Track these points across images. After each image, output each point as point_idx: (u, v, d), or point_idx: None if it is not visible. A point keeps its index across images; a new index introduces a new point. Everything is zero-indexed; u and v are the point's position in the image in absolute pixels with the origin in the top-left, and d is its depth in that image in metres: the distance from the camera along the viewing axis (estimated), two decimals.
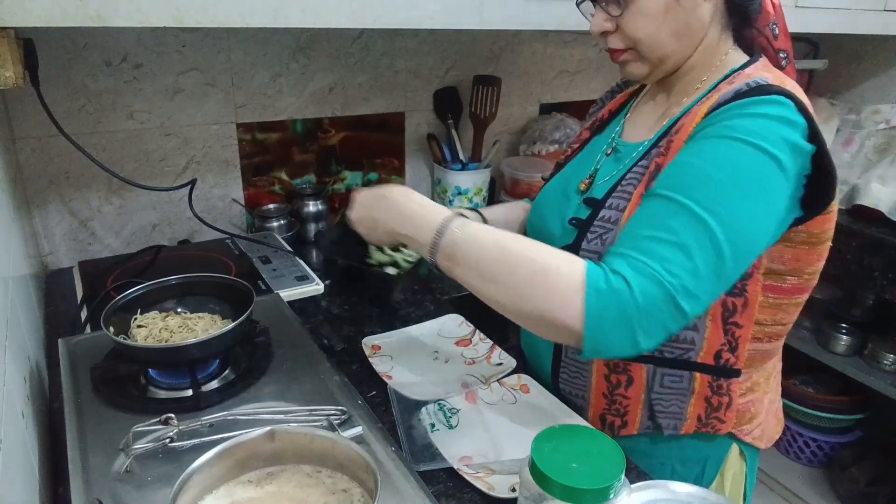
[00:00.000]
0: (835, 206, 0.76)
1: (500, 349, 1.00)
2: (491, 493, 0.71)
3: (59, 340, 0.92)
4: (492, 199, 1.71)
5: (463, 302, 1.19)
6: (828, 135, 1.87)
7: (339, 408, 0.76)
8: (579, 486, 0.54)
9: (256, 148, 1.46)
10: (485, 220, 0.98)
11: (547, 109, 1.85)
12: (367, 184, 1.64)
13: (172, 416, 0.73)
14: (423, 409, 0.85)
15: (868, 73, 1.99)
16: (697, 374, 0.81)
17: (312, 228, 1.49)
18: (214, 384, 0.84)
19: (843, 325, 1.80)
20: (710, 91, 0.77)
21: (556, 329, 0.66)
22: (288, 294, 1.15)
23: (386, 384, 0.90)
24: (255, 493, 0.62)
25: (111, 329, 0.82)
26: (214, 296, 0.96)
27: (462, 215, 0.74)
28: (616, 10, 0.76)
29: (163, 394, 0.82)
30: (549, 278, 0.65)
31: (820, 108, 1.90)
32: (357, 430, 0.74)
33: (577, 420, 0.83)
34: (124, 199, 1.34)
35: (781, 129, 0.67)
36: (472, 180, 1.61)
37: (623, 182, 0.80)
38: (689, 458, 0.88)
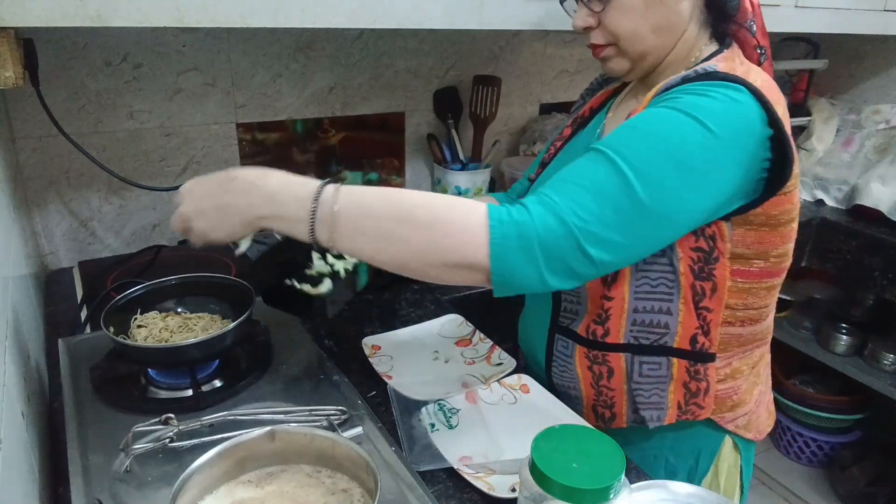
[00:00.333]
0: (794, 187, 0.76)
1: (500, 349, 1.00)
2: (491, 493, 0.71)
3: (59, 340, 0.92)
4: None
5: (463, 302, 1.18)
6: (828, 135, 1.88)
7: (339, 408, 0.76)
8: (579, 486, 0.54)
9: (256, 148, 1.45)
10: None
11: (547, 109, 1.85)
12: (367, 183, 1.63)
13: (172, 416, 0.73)
14: (423, 409, 0.85)
15: (868, 73, 1.99)
16: (675, 360, 0.82)
17: None
18: (214, 384, 0.84)
19: (843, 325, 1.79)
20: None
21: (464, 269, 0.65)
22: None
23: (386, 384, 0.89)
24: (255, 493, 0.62)
25: (111, 329, 0.82)
26: (214, 296, 0.96)
27: (332, 182, 0.68)
28: (598, 6, 0.78)
29: (163, 394, 0.82)
30: (452, 217, 0.65)
31: (820, 108, 1.91)
32: (357, 430, 0.74)
33: (578, 420, 0.83)
34: (124, 199, 1.34)
35: (729, 108, 0.67)
36: (472, 180, 1.61)
37: None
38: (682, 451, 0.89)
